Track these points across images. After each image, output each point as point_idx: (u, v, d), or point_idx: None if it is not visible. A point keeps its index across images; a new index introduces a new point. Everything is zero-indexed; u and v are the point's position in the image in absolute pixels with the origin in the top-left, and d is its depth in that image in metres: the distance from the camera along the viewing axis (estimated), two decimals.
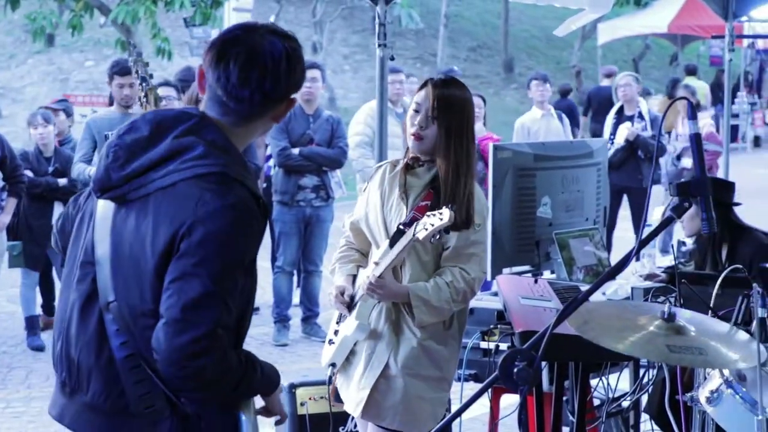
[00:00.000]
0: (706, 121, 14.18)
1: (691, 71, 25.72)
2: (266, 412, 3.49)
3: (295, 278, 11.05)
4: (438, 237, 4.52)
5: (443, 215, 4.41)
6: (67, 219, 3.60)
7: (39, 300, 11.09)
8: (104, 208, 3.28)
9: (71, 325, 3.30)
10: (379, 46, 6.98)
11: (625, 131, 12.30)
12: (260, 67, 3.23)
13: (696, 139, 3.63)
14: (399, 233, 4.71)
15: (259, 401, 3.47)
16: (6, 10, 18.79)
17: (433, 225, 4.43)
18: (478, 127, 9.44)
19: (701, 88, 20.57)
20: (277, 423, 3.63)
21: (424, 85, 4.91)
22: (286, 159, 10.48)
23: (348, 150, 10.67)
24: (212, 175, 3.12)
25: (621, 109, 13.09)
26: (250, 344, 10.29)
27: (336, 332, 5.03)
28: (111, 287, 3.20)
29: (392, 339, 4.84)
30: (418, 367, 4.81)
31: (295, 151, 10.46)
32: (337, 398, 5.06)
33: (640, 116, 12.93)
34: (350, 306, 4.94)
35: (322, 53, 28.23)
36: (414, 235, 4.50)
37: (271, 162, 10.90)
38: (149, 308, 3.11)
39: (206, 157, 3.14)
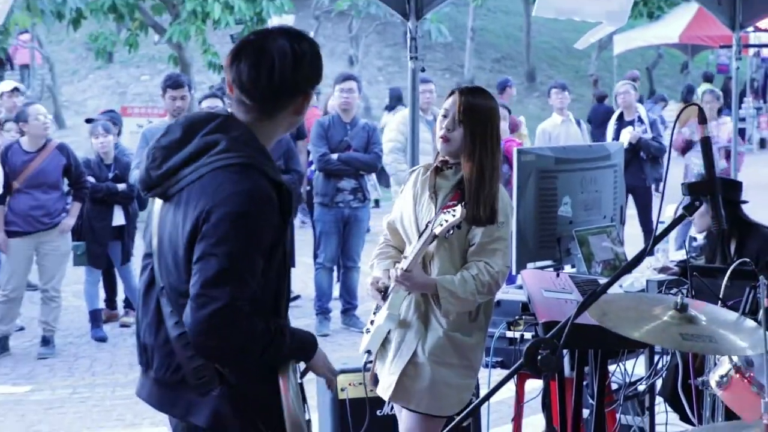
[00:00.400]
0: (730, 125, 14.12)
1: (708, 78, 25.72)
2: (306, 372, 3.52)
3: (335, 273, 11.04)
4: (452, 231, 4.60)
5: (456, 212, 4.51)
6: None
7: (102, 295, 11.12)
8: (157, 205, 3.40)
9: (139, 311, 3.46)
10: (411, 58, 6.97)
11: (628, 135, 12.29)
12: (267, 65, 3.30)
13: (705, 142, 3.61)
14: (425, 230, 4.73)
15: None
16: (69, 30, 18.87)
17: (447, 221, 4.52)
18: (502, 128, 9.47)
19: None
20: (328, 386, 3.65)
21: (452, 93, 4.94)
22: (326, 164, 10.49)
23: (382, 155, 10.66)
24: (233, 165, 3.19)
25: (621, 116, 13.12)
26: None
27: (372, 322, 5.05)
28: (160, 273, 3.32)
29: (420, 329, 4.85)
30: (444, 356, 4.82)
31: (334, 156, 10.46)
32: (377, 383, 5.07)
33: (640, 120, 13.00)
34: (384, 296, 4.96)
35: (358, 66, 28.22)
36: (431, 230, 4.58)
37: (313, 167, 10.89)
38: (186, 289, 3.17)
39: (229, 151, 3.22)
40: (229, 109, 3.43)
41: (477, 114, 4.83)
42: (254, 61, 3.31)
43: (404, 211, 5.03)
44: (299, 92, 3.38)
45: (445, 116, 4.88)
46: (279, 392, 3.29)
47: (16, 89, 13.27)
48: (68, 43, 29.28)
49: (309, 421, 3.41)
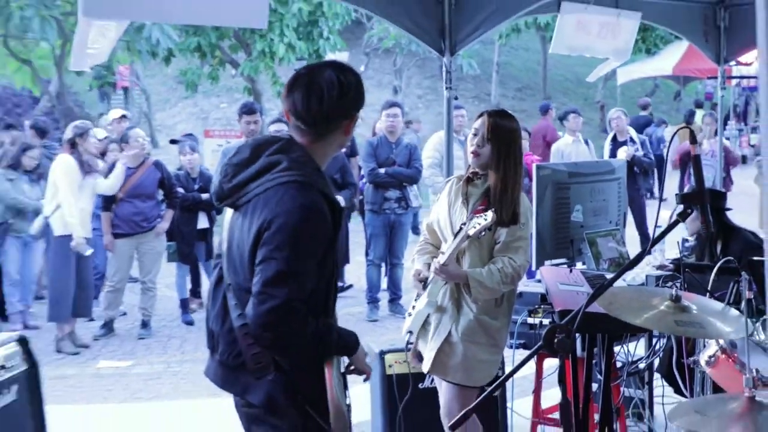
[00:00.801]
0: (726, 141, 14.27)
1: (699, 105, 25.72)
2: (353, 371, 3.50)
3: (383, 269, 11.04)
4: (484, 233, 4.65)
5: (488, 217, 4.59)
6: None
7: (189, 286, 11.19)
8: (228, 214, 3.43)
9: (208, 303, 3.47)
10: (446, 88, 6.95)
11: (624, 153, 12.28)
12: (317, 95, 3.31)
13: (695, 160, 3.59)
14: (459, 230, 4.75)
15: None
16: (162, 66, 19.04)
17: (480, 224, 4.59)
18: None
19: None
20: (365, 379, 3.62)
21: (481, 115, 4.95)
22: (375, 177, 10.52)
23: (422, 169, 10.66)
24: (293, 182, 3.20)
25: (615, 137, 13.16)
26: (348, 320, 10.41)
27: (413, 307, 5.07)
28: (228, 272, 3.34)
29: (454, 313, 4.87)
30: (474, 336, 4.84)
31: (382, 170, 10.49)
32: (418, 360, 5.08)
33: (632, 140, 13.02)
34: (424, 286, 4.98)
35: (401, 94, 28.17)
36: (466, 231, 4.63)
37: (364, 180, 10.91)
38: (249, 287, 3.18)
39: (289, 170, 3.23)
40: (290, 133, 3.43)
41: (502, 133, 4.85)
42: (306, 92, 3.32)
43: (440, 214, 5.04)
44: (346, 116, 3.39)
45: (475, 134, 4.88)
46: (325, 381, 3.28)
47: (123, 116, 13.45)
48: (161, 78, 29.45)
49: (349, 406, 3.39)
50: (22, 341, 4.84)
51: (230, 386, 3.38)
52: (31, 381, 4.78)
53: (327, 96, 3.30)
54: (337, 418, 3.28)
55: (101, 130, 12.91)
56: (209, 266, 10.75)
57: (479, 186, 4.92)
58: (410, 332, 5.03)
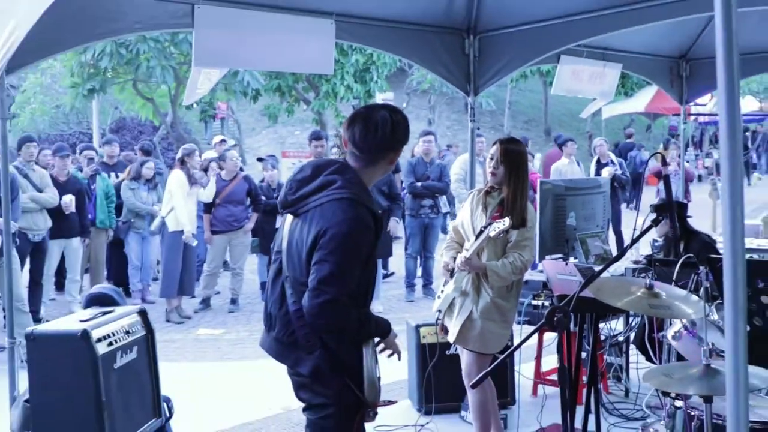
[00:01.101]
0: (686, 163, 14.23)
1: (673, 136, 25.79)
2: (385, 349, 3.45)
3: (418, 260, 11.03)
4: (502, 235, 4.64)
5: (505, 222, 4.58)
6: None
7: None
8: (288, 219, 3.37)
9: (268, 290, 3.41)
10: (470, 121, 6.95)
11: (606, 173, 12.22)
12: (373, 130, 3.26)
13: (665, 179, 3.56)
14: (480, 232, 4.74)
15: None
16: (250, 103, 19.22)
17: (498, 228, 4.58)
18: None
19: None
20: (398, 358, 3.53)
21: (495, 143, 4.95)
22: (413, 189, 10.52)
23: (450, 183, 10.64)
24: (345, 199, 3.15)
25: (598, 160, 13.11)
26: (391, 299, 10.37)
27: (441, 291, 5.06)
28: (287, 267, 3.28)
29: (475, 296, 4.86)
30: (490, 314, 4.82)
31: (419, 184, 10.49)
32: (445, 332, 5.07)
33: (612, 162, 12.97)
34: (451, 274, 4.98)
35: (434, 125, 28.17)
36: (488, 233, 4.61)
37: (405, 191, 10.90)
38: (305, 280, 3.14)
39: (343, 188, 3.18)
40: (345, 158, 3.39)
41: (512, 156, 4.84)
42: (364, 126, 3.27)
43: (464, 219, 5.03)
44: (393, 149, 3.34)
45: (492, 158, 4.89)
46: (362, 358, 3.25)
47: (223, 140, 13.68)
48: (250, 111, 29.63)
49: (379, 378, 3.33)
50: (142, 312, 4.88)
51: (284, 359, 3.33)
52: (148, 343, 4.82)
53: (381, 131, 3.26)
54: (371, 387, 3.26)
55: (212, 151, 13.13)
56: None
57: (495, 197, 4.91)
58: (439, 311, 5.04)
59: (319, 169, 3.29)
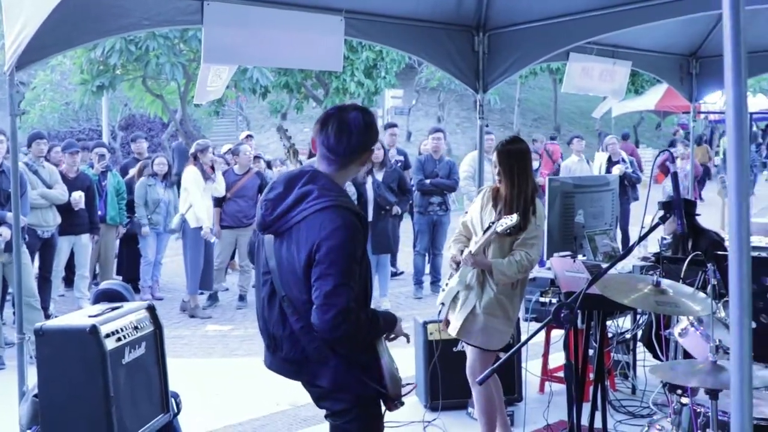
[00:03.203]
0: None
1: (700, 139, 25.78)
2: (395, 338, 3.44)
3: (426, 258, 11.03)
4: (509, 231, 4.64)
5: (513, 218, 4.60)
6: (253, 245, 3.61)
7: None
8: (268, 238, 3.28)
9: (264, 312, 3.32)
10: (479, 118, 6.95)
11: (617, 170, 12.18)
12: (348, 132, 3.21)
13: (674, 176, 3.56)
14: (489, 228, 4.78)
15: None
16: (259, 99, 19.26)
17: (506, 223, 4.61)
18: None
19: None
20: (407, 341, 3.53)
21: (495, 149, 4.99)
22: (422, 186, 10.50)
23: (459, 181, 10.64)
24: (327, 207, 3.10)
25: (609, 158, 13.04)
26: (399, 296, 10.39)
27: (446, 284, 5.09)
28: (281, 287, 3.20)
29: (479, 291, 4.87)
30: (493, 310, 4.83)
31: (427, 181, 10.48)
32: (447, 325, 5.09)
33: (623, 160, 12.92)
34: (457, 267, 4.99)
35: (443, 122, 28.16)
36: (495, 228, 4.64)
37: (414, 188, 10.89)
38: (305, 298, 3.10)
39: (320, 197, 3.13)
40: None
41: (510, 157, 4.86)
42: (338, 128, 3.21)
43: (473, 214, 5.05)
44: (367, 150, 3.29)
45: (495, 166, 4.92)
46: (377, 356, 3.25)
47: (249, 135, 13.77)
48: (259, 108, 29.68)
49: (397, 369, 3.35)
50: (150, 308, 4.89)
51: (299, 376, 3.30)
52: (156, 339, 4.83)
53: (355, 134, 3.22)
54: (393, 380, 3.27)
55: (229, 144, 13.25)
56: None
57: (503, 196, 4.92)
58: (443, 304, 5.07)
59: (291, 182, 3.22)
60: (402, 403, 3.32)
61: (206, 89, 8.07)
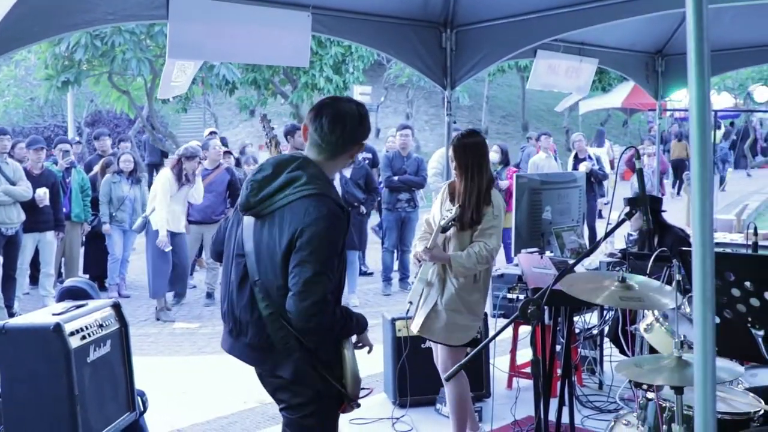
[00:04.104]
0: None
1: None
2: (360, 345, 3.42)
3: (395, 254, 11.03)
4: (451, 224, 4.70)
5: (452, 211, 4.68)
6: (219, 230, 3.58)
7: None
8: (248, 220, 3.24)
9: (233, 295, 3.27)
10: (447, 115, 6.97)
11: (583, 167, 12.27)
12: (341, 122, 3.21)
13: (639, 172, 3.58)
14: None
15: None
16: (227, 95, 19.16)
17: (446, 217, 4.69)
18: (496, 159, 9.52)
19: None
20: (368, 352, 3.47)
21: (452, 143, 4.98)
22: (390, 183, 10.50)
23: (427, 177, 10.66)
24: (312, 195, 3.08)
25: (576, 155, 13.16)
26: (368, 293, 10.35)
27: (412, 283, 5.09)
28: (256, 271, 3.15)
29: (440, 287, 4.86)
30: (455, 305, 4.82)
31: (396, 178, 10.48)
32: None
33: (589, 157, 13.04)
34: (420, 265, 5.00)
35: (412, 119, 28.20)
36: (439, 223, 4.70)
37: (382, 185, 10.89)
38: (281, 283, 3.07)
39: (308, 184, 3.10)
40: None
41: (463, 150, 4.85)
42: (332, 118, 3.20)
43: (435, 211, 5.05)
44: (357, 143, 3.29)
45: (452, 160, 4.92)
46: (341, 354, 3.23)
47: (213, 132, 13.61)
48: (227, 104, 29.53)
49: (358, 371, 3.32)
50: (116, 306, 4.84)
51: (261, 363, 3.25)
52: (121, 337, 4.79)
53: (349, 125, 3.22)
54: (354, 381, 3.25)
55: (195, 141, 13.09)
56: None
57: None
58: (410, 302, 5.03)
59: (280, 166, 3.19)
60: (358, 405, 3.29)
61: (170, 84, 8.01)
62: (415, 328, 4.95)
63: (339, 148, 3.25)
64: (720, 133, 29.34)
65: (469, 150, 4.84)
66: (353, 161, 3.53)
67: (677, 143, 23.99)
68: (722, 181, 25.24)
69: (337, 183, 9.41)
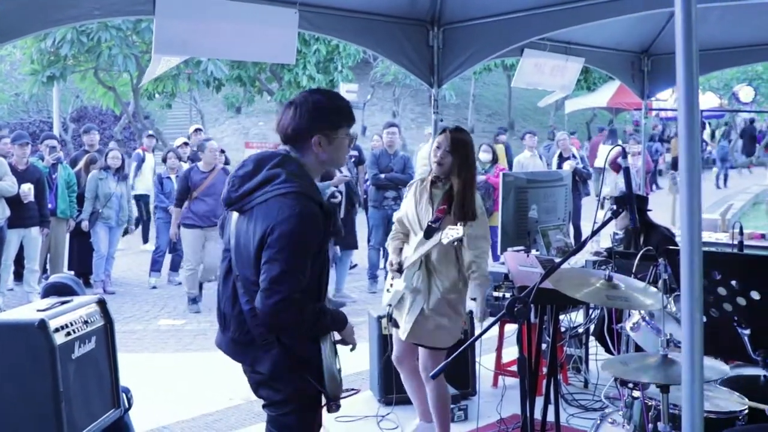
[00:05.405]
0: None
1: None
2: (343, 342, 3.39)
3: (381, 252, 11.02)
4: (455, 243, 4.58)
5: (459, 231, 4.49)
6: (221, 223, 3.57)
7: None
8: (235, 216, 3.27)
9: (219, 289, 3.31)
10: (434, 113, 6.95)
11: (568, 166, 12.29)
12: (308, 112, 3.17)
13: (626, 171, 3.58)
14: (430, 228, 4.74)
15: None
16: (213, 93, 19.11)
17: (452, 236, 4.49)
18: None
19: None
20: (351, 350, 3.43)
21: (443, 131, 4.87)
22: (377, 181, 10.48)
23: (414, 175, 10.65)
24: (290, 193, 3.06)
25: (560, 154, 13.11)
26: (354, 291, 10.33)
27: (390, 285, 5.03)
28: (236, 265, 3.19)
29: (426, 293, 4.84)
30: (441, 309, 4.81)
31: (382, 176, 10.45)
32: (395, 324, 5.03)
33: (574, 156, 13.03)
34: (399, 270, 4.95)
35: (398, 117, 28.19)
36: (440, 239, 4.55)
37: (369, 182, 10.87)
38: (255, 279, 3.07)
39: (286, 182, 3.09)
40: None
41: (461, 146, 4.78)
42: (298, 110, 3.19)
43: (408, 210, 4.98)
44: (312, 133, 3.19)
45: (438, 147, 4.82)
46: (320, 351, 3.20)
47: (198, 129, 13.50)
48: (214, 102, 29.42)
49: (339, 370, 3.31)
50: (101, 302, 4.80)
51: (241, 358, 3.26)
52: (107, 333, 4.74)
53: (315, 114, 3.18)
54: (331, 380, 3.22)
55: (182, 138, 13.13)
56: None
57: (441, 188, 4.87)
58: (389, 305, 5.01)
59: (261, 163, 3.18)
60: (339, 406, 3.27)
61: (154, 74, 8.02)
62: (403, 334, 4.92)
63: (293, 141, 3.21)
64: (718, 132, 29.55)
65: (464, 147, 4.81)
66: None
67: (678, 141, 24.21)
68: (726, 178, 25.59)
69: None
